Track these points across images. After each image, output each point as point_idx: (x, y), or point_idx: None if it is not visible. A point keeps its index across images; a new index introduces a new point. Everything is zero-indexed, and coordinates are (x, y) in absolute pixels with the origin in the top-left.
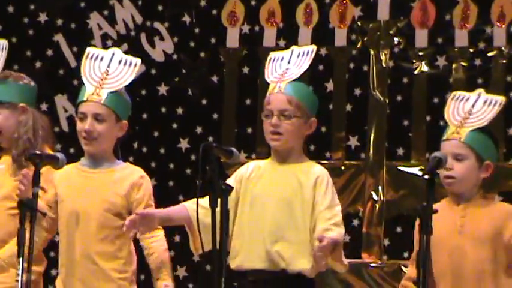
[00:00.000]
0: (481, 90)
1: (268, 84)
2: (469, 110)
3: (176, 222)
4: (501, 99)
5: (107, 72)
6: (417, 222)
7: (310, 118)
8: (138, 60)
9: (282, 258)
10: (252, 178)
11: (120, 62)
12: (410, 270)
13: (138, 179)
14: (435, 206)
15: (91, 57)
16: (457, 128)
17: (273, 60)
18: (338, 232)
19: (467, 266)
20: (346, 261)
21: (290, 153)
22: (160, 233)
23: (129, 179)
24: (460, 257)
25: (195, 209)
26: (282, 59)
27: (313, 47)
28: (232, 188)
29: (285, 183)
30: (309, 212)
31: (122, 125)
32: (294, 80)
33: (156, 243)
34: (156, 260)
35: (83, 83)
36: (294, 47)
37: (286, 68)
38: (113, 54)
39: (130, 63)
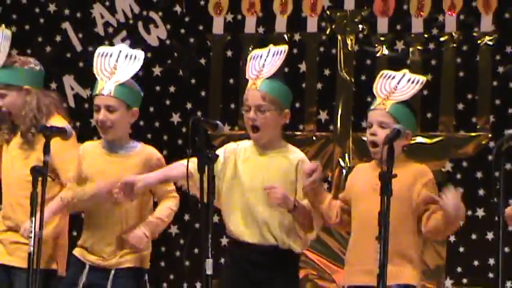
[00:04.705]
0: (406, 71)
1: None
2: (394, 86)
3: (173, 179)
4: (423, 79)
5: (115, 66)
6: (351, 175)
7: (284, 110)
8: (142, 53)
9: (274, 237)
10: (239, 156)
11: (126, 56)
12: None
13: (156, 161)
14: (361, 166)
15: (101, 55)
16: (383, 100)
17: (253, 58)
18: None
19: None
20: (306, 240)
21: (270, 143)
22: (174, 199)
23: (147, 163)
24: (375, 213)
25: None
26: (260, 57)
27: (286, 47)
28: (218, 156)
29: (269, 173)
30: (293, 194)
31: (133, 112)
32: (269, 78)
33: (167, 201)
34: (157, 210)
35: (93, 71)
36: (271, 45)
37: (262, 65)
38: (120, 51)
39: (135, 57)
